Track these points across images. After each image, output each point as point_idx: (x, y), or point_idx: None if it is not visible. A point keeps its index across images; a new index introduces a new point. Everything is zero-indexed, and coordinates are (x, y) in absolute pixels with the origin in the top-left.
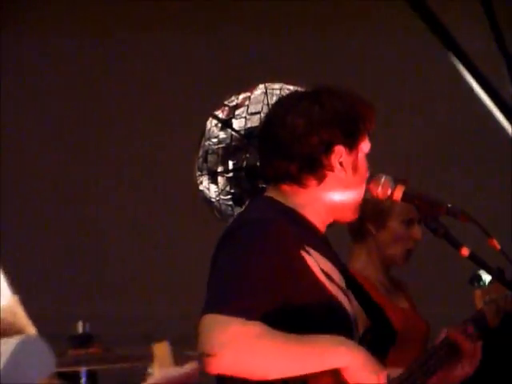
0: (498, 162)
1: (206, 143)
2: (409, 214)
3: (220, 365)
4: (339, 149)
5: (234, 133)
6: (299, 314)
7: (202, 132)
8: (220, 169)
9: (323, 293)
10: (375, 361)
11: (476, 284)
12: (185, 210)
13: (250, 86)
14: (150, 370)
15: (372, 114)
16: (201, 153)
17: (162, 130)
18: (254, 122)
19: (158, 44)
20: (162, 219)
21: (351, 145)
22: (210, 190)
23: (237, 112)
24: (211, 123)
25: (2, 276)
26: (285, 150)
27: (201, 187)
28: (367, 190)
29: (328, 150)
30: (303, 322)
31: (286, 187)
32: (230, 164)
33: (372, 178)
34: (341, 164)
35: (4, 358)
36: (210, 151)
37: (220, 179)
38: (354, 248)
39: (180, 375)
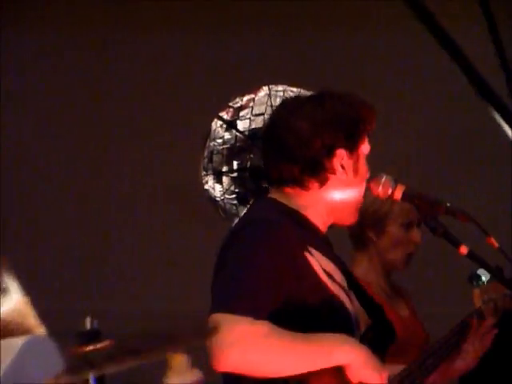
0: (498, 162)
1: (211, 144)
2: (407, 217)
3: (228, 363)
4: (341, 152)
5: (238, 134)
6: (302, 313)
7: (207, 133)
8: (225, 169)
9: (325, 292)
10: (376, 359)
11: (475, 283)
12: (186, 210)
13: (251, 86)
14: (165, 381)
15: (373, 117)
16: (206, 153)
17: (163, 130)
18: (258, 123)
19: (159, 44)
20: (171, 217)
21: (352, 147)
22: (215, 189)
23: (241, 113)
24: (216, 124)
25: (12, 278)
26: (289, 153)
27: (206, 187)
28: (368, 190)
29: (330, 153)
30: (305, 321)
31: (288, 189)
32: (235, 164)
33: (373, 178)
34: (342, 167)
35: (11, 358)
36: (215, 151)
37: (225, 179)
38: (355, 255)
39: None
